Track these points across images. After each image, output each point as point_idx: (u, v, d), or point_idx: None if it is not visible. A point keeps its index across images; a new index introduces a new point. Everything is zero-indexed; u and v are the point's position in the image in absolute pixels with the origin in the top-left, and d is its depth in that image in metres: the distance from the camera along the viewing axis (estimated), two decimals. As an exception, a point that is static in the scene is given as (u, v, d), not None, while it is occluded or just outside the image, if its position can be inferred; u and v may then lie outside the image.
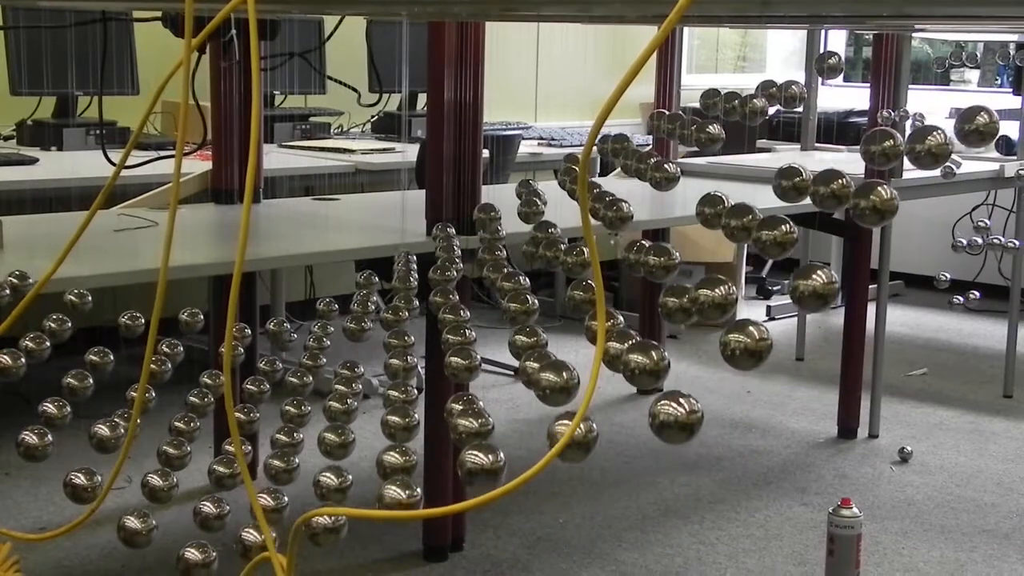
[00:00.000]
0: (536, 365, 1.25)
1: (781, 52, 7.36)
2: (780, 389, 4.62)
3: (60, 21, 3.87)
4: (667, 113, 1.66)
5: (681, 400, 1.08)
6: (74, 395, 1.73)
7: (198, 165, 3.47)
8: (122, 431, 1.65)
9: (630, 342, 1.20)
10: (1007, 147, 4.74)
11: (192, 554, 1.57)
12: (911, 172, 4.11)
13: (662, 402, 1.09)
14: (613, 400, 4.37)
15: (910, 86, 4.09)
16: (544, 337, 1.38)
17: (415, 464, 1.38)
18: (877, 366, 4.04)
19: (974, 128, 1.10)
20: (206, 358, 2.86)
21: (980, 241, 4.30)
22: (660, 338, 4.46)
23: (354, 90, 4.55)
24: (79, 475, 1.68)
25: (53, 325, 1.79)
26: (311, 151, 4.55)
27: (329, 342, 1.80)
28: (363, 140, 4.94)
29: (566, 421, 1.16)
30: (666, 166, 1.56)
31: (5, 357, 1.73)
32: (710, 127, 1.57)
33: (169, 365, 1.77)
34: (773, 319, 5.73)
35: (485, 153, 3.05)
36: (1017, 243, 4.35)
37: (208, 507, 1.58)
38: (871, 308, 4.06)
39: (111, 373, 1.83)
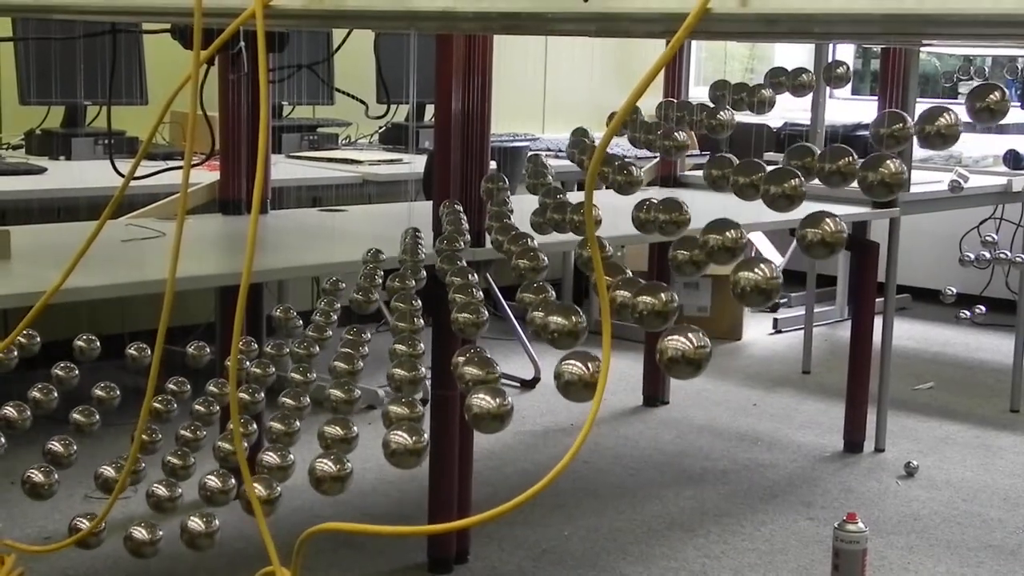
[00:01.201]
0: (542, 313, 1.25)
1: (789, 65, 7.35)
2: (786, 402, 4.61)
3: (70, 32, 3.88)
4: (676, 101, 1.65)
5: (690, 335, 1.08)
6: (80, 431, 1.74)
7: (206, 176, 3.48)
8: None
9: (637, 287, 1.19)
10: (1015, 161, 4.73)
11: (195, 523, 1.56)
12: (918, 187, 4.12)
13: (670, 337, 1.08)
14: (619, 412, 4.37)
15: (918, 99, 4.09)
16: (552, 292, 1.37)
17: (421, 415, 1.37)
18: (883, 380, 4.04)
19: (985, 106, 1.10)
20: (212, 368, 2.86)
21: (987, 255, 4.30)
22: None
23: (362, 102, 4.56)
24: (83, 520, 1.68)
25: (61, 373, 1.79)
26: (318, 162, 4.56)
27: (336, 316, 1.80)
28: (370, 151, 4.95)
29: (574, 361, 1.15)
30: (675, 134, 1.57)
31: (10, 409, 1.73)
32: (720, 113, 1.57)
33: (175, 404, 1.77)
34: (780, 332, 5.72)
35: (492, 164, 3.06)
36: (1024, 257, 4.35)
37: (214, 481, 1.57)
38: (878, 321, 4.05)
39: (118, 372, 1.83)
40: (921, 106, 4.16)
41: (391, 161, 4.60)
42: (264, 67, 1.46)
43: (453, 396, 2.94)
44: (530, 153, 1.69)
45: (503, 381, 5.03)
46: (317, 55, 4.21)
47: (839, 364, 4.51)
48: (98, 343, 1.85)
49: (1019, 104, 4.86)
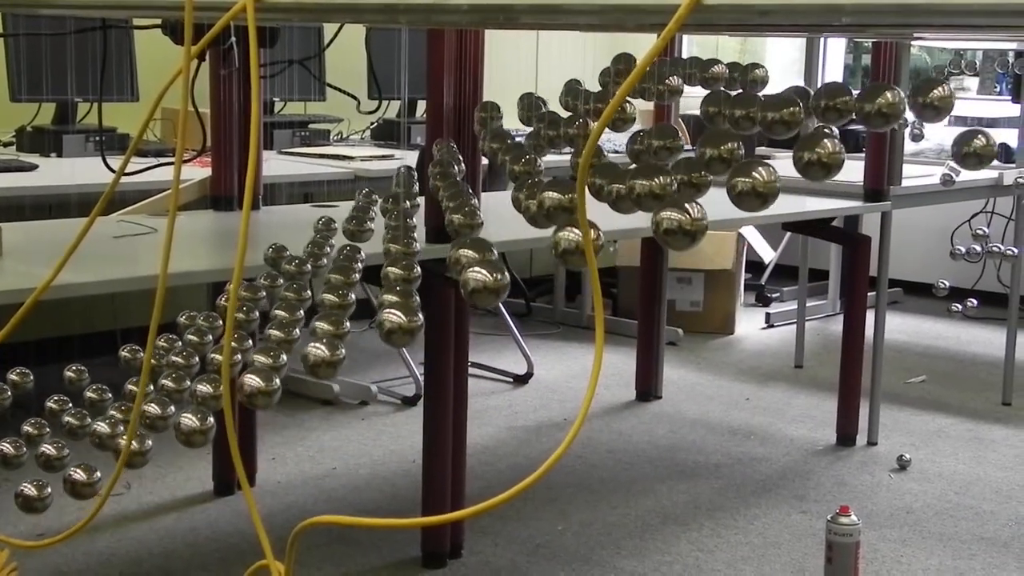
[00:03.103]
0: (535, 201, 1.23)
1: (781, 60, 7.36)
2: (779, 396, 4.62)
3: (60, 28, 3.87)
4: (668, 60, 1.65)
5: (687, 206, 1.07)
6: (73, 436, 1.73)
7: (197, 172, 3.47)
8: (121, 441, 1.64)
9: (630, 173, 1.18)
10: (1006, 155, 4.74)
11: (189, 420, 1.54)
12: (910, 180, 4.12)
13: (666, 210, 1.08)
14: (612, 407, 4.37)
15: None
16: (543, 177, 1.35)
17: (417, 304, 1.34)
18: (876, 373, 4.04)
19: (972, 151, 1.10)
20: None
21: (979, 249, 4.30)
22: (659, 346, 4.46)
23: (353, 97, 4.55)
24: (78, 471, 1.67)
25: (54, 406, 1.79)
26: (310, 158, 4.55)
27: (330, 248, 1.80)
28: (362, 147, 4.95)
29: (572, 228, 1.14)
30: (667, 80, 1.57)
31: (7, 446, 1.73)
32: (714, 67, 1.57)
33: (166, 357, 1.76)
34: (772, 326, 5.73)
35: (484, 160, 3.05)
36: (1016, 251, 4.36)
37: (205, 388, 1.56)
38: (870, 315, 4.06)
39: (112, 370, 1.83)
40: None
41: (383, 157, 4.60)
42: (256, 61, 1.45)
43: (446, 393, 2.94)
44: (524, 93, 1.69)
45: (496, 377, 5.03)
46: (308, 50, 4.20)
47: (831, 358, 4.51)
48: (87, 373, 1.84)
49: (1009, 98, 4.86)
